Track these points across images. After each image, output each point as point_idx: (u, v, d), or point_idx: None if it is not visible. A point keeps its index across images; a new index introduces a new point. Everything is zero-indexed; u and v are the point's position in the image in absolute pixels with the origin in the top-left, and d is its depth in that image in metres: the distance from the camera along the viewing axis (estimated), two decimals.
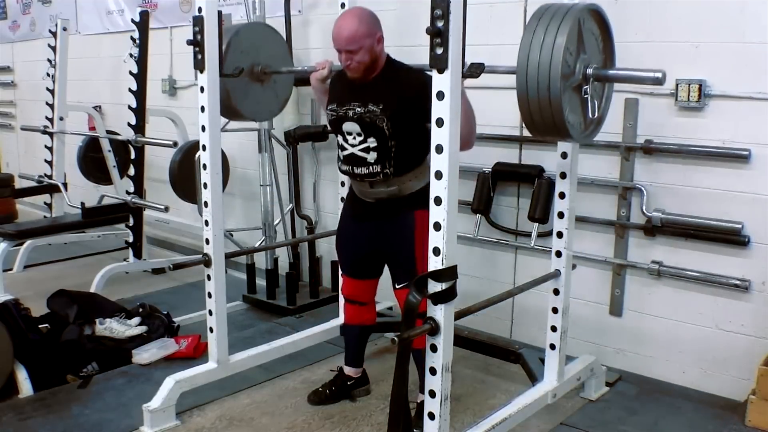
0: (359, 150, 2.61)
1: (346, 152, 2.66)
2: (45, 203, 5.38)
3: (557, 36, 2.00)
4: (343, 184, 3.28)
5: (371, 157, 2.59)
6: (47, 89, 5.23)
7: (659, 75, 2.07)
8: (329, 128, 2.77)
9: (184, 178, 4.21)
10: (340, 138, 2.70)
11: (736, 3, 2.76)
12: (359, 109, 2.57)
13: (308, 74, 2.92)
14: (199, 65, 2.67)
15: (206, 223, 2.81)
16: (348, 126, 2.62)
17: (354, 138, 2.62)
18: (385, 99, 2.54)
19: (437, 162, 1.93)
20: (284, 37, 3.36)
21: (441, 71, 1.86)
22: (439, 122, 1.90)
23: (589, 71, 2.15)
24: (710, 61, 2.86)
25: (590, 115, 2.21)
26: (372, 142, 2.59)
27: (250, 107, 3.18)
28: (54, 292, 3.71)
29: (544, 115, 2.06)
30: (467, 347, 3.27)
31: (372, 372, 3.09)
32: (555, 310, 2.72)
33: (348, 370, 3.01)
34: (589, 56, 2.16)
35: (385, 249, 2.72)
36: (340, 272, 2.99)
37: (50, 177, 5.19)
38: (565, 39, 1.99)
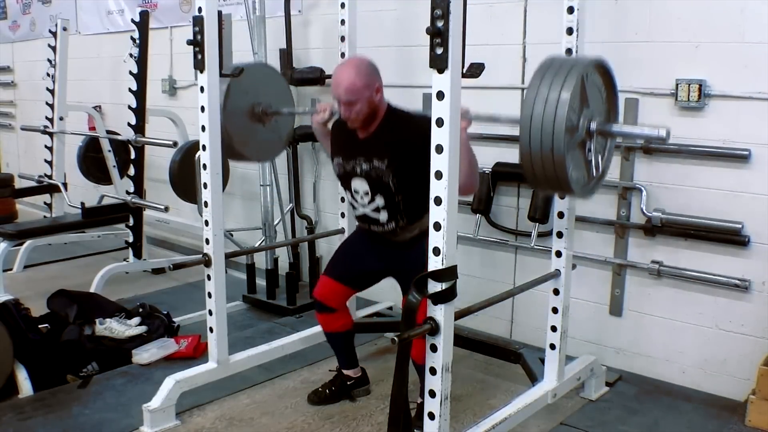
0: (371, 211, 2.67)
1: (358, 212, 2.73)
2: (45, 203, 5.37)
3: (562, 91, 1.99)
4: None
5: (383, 216, 2.64)
6: (47, 89, 5.23)
7: (663, 133, 2.08)
8: (338, 179, 2.81)
9: (184, 178, 4.21)
10: (348, 194, 2.75)
11: (736, 3, 2.76)
12: (365, 165, 2.61)
13: (309, 114, 2.92)
14: (199, 65, 2.67)
15: (206, 223, 2.81)
16: (356, 183, 2.67)
17: (362, 197, 2.67)
18: (388, 153, 2.56)
19: (437, 162, 1.93)
20: (284, 78, 3.37)
21: (441, 71, 1.86)
22: (439, 122, 1.90)
23: (593, 126, 2.14)
24: (710, 61, 2.86)
25: (593, 172, 2.21)
26: (380, 201, 2.62)
27: (254, 149, 3.16)
28: (54, 292, 3.71)
29: (546, 170, 2.06)
30: (467, 347, 3.27)
31: (372, 372, 3.09)
32: (555, 310, 2.72)
33: (346, 371, 3.01)
34: (592, 110, 2.15)
35: (396, 268, 2.71)
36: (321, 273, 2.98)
37: (50, 177, 5.18)
38: (569, 95, 1.98)
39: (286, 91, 3.29)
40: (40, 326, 3.39)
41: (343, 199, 3.37)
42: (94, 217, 4.67)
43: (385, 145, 2.57)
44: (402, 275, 2.69)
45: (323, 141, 2.94)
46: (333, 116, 2.76)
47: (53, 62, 5.17)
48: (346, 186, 2.73)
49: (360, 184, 2.65)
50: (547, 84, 2.02)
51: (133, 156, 4.62)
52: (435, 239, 1.97)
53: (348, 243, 2.99)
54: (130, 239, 4.75)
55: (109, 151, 4.99)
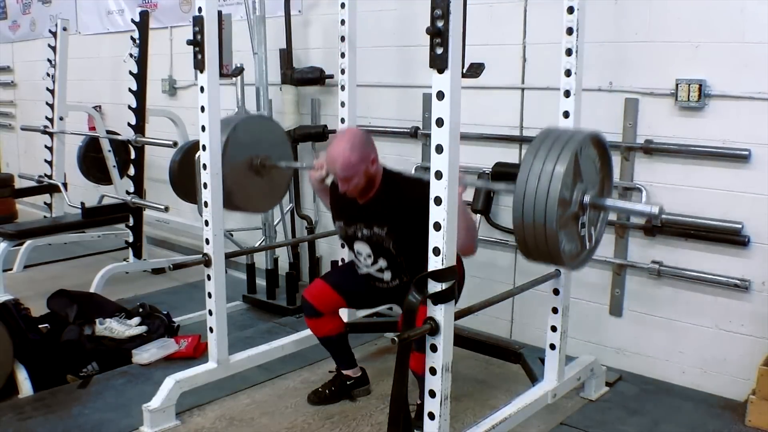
0: (374, 271, 2.76)
1: (362, 272, 2.81)
2: (45, 203, 5.37)
3: (556, 166, 2.02)
4: None
5: (387, 276, 2.74)
6: (47, 89, 5.23)
7: (656, 210, 2.09)
8: (340, 240, 2.87)
9: (184, 178, 4.20)
10: (352, 254, 2.83)
11: (736, 3, 2.76)
12: (366, 231, 2.68)
13: (306, 169, 2.94)
14: (199, 65, 2.67)
15: (206, 223, 2.81)
16: (358, 246, 2.75)
17: (365, 259, 2.75)
18: (387, 220, 2.61)
19: (437, 162, 1.93)
20: (282, 129, 3.40)
21: (441, 71, 1.86)
22: (439, 122, 1.89)
23: (586, 200, 2.16)
24: (710, 61, 2.86)
25: (586, 245, 2.23)
26: (383, 263, 2.71)
27: (252, 201, 3.18)
28: (54, 292, 3.71)
29: (538, 242, 2.08)
30: (467, 347, 3.27)
31: (372, 372, 3.09)
32: (555, 310, 2.72)
33: (346, 371, 3.00)
34: (586, 183, 2.17)
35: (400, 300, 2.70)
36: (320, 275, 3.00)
37: (50, 177, 5.18)
38: (564, 169, 2.01)
39: (284, 142, 3.33)
40: (40, 326, 3.39)
41: None
42: (94, 217, 4.67)
43: (384, 212, 2.62)
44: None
45: (321, 197, 2.97)
46: (330, 174, 2.76)
47: (53, 62, 5.17)
48: (349, 247, 2.80)
49: (362, 247, 2.73)
50: (543, 155, 2.06)
51: (133, 156, 4.62)
52: (435, 239, 1.97)
53: (353, 267, 2.93)
54: (130, 239, 4.75)
55: (109, 151, 4.99)
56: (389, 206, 2.62)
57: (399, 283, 2.72)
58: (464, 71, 1.98)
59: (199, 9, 2.61)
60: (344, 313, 3.16)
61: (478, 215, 3.57)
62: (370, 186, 2.63)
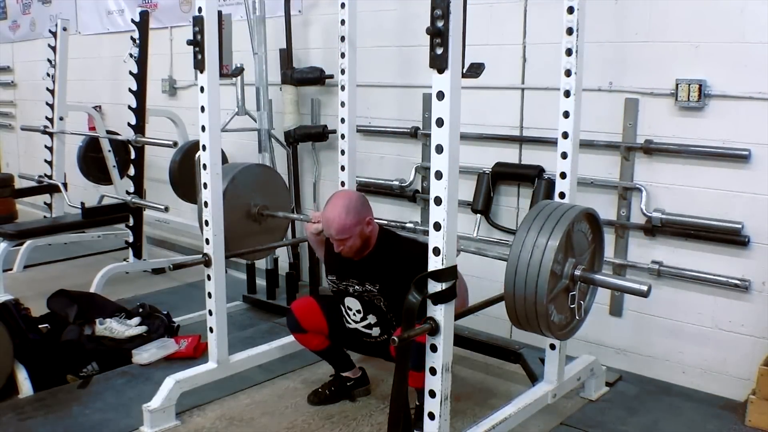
0: (362, 327, 2.79)
1: (350, 326, 2.83)
2: (45, 203, 5.37)
3: (551, 237, 2.11)
4: (343, 183, 3.28)
5: (375, 331, 2.77)
6: (47, 89, 5.23)
7: (645, 288, 2.16)
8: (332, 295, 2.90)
9: (184, 178, 4.21)
10: (342, 308, 2.84)
11: (736, 3, 2.76)
12: (358, 287, 2.72)
13: (304, 223, 3.01)
14: (199, 65, 2.66)
15: (206, 223, 2.81)
16: (349, 302, 2.79)
17: (355, 314, 2.79)
18: (380, 279, 2.64)
19: (437, 162, 1.93)
20: (279, 176, 3.47)
21: (441, 71, 1.86)
22: (439, 122, 1.89)
23: (577, 273, 2.23)
24: (710, 61, 2.86)
25: (576, 317, 2.29)
26: (372, 319, 2.75)
27: (249, 246, 3.24)
28: (54, 292, 3.71)
29: (528, 312, 2.15)
30: (467, 347, 3.27)
31: (372, 372, 3.09)
32: None
33: (345, 373, 3.01)
34: (577, 258, 2.24)
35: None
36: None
37: (50, 177, 5.18)
38: (557, 241, 2.09)
39: (282, 184, 3.40)
40: (40, 326, 3.39)
41: None
42: (94, 217, 4.67)
43: (377, 271, 2.65)
44: None
45: (317, 249, 2.99)
46: None
47: (53, 62, 5.17)
48: (340, 302, 2.82)
49: (353, 303, 2.76)
50: (537, 228, 2.14)
51: (133, 156, 4.62)
52: (435, 239, 1.97)
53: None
54: (130, 239, 4.75)
55: (109, 151, 4.99)
56: (383, 265, 2.65)
57: (387, 338, 2.70)
58: (464, 71, 1.98)
59: (199, 9, 2.61)
60: None
61: (479, 215, 3.57)
62: (366, 246, 2.66)
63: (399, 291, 2.50)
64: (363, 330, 2.79)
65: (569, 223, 2.14)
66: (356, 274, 2.71)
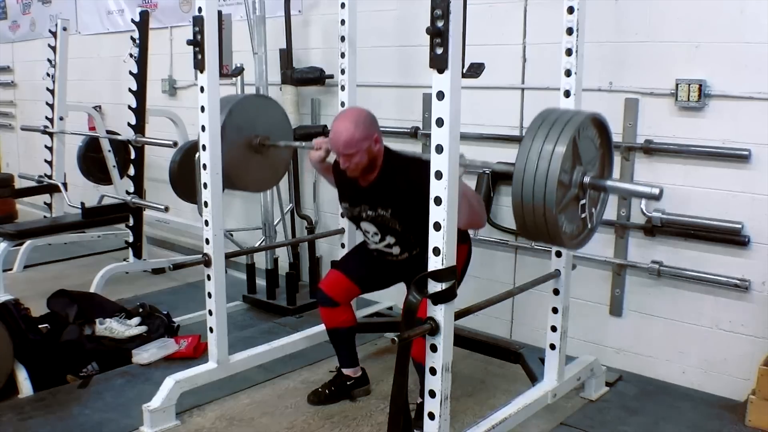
0: (383, 247, 2.79)
1: (372, 247, 2.84)
2: (45, 203, 5.37)
3: (556, 145, 1.98)
4: None
5: (396, 250, 2.76)
6: (47, 89, 5.23)
7: (656, 191, 2.05)
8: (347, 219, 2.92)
9: (184, 178, 4.20)
10: (359, 232, 2.86)
11: (736, 3, 2.76)
12: (370, 212, 2.72)
13: (304, 146, 2.99)
14: (199, 65, 2.67)
15: (206, 223, 2.81)
16: (365, 225, 2.79)
17: (372, 236, 2.79)
18: (390, 203, 2.64)
19: (437, 162, 1.93)
20: (279, 105, 3.36)
21: (441, 71, 1.86)
22: (439, 122, 1.89)
23: (586, 180, 2.13)
24: (710, 61, 2.86)
25: (587, 226, 2.21)
26: (390, 239, 2.74)
27: (253, 180, 3.19)
28: (54, 292, 3.70)
29: (538, 223, 2.04)
30: (467, 347, 3.27)
31: (372, 372, 3.10)
32: (555, 310, 2.72)
33: (346, 371, 3.00)
34: (585, 165, 2.14)
35: (413, 275, 2.72)
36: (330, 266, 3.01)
37: (50, 177, 5.18)
38: (564, 149, 1.97)
39: (282, 114, 3.31)
40: (40, 326, 3.39)
41: None
42: (94, 217, 4.66)
43: (387, 195, 2.64)
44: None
45: (325, 176, 2.99)
46: (330, 153, 2.78)
47: (53, 62, 5.17)
48: (357, 226, 2.84)
49: (369, 227, 2.77)
50: (543, 135, 2.02)
51: (133, 156, 4.62)
52: (435, 239, 1.97)
53: (363, 247, 2.96)
54: (130, 239, 4.75)
55: (109, 151, 4.99)
56: (392, 189, 2.63)
57: (408, 256, 2.74)
58: (464, 71, 1.98)
59: (199, 9, 2.61)
60: None
61: None
62: (372, 166, 2.63)
63: (411, 212, 2.56)
64: (384, 249, 2.79)
65: (575, 129, 2.03)
66: (367, 199, 2.70)
